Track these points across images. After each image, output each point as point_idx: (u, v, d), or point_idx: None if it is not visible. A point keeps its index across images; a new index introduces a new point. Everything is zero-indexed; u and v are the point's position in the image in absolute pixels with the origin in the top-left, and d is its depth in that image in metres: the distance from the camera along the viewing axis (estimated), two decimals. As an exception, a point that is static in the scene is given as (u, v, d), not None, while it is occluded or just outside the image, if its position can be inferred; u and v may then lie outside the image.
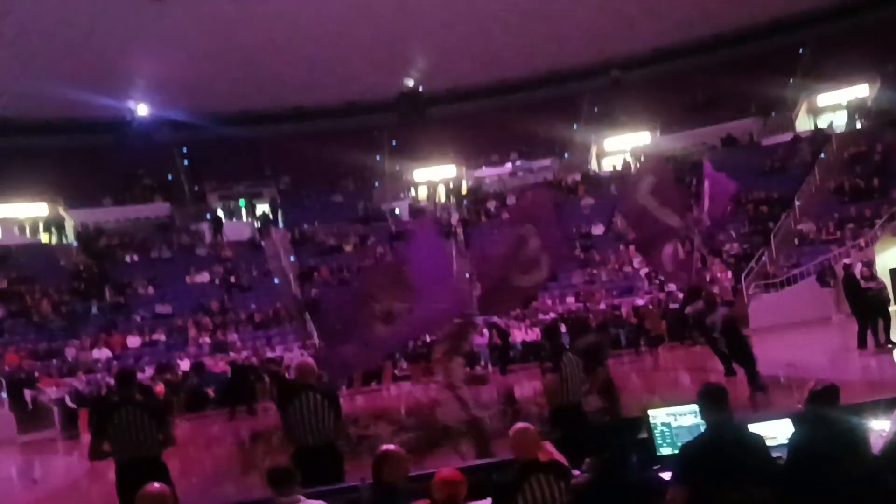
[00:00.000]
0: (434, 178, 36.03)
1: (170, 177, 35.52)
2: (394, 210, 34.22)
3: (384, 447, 4.43)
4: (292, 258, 30.13)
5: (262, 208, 34.64)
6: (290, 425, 6.28)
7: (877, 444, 4.59)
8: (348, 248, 30.61)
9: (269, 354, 23.45)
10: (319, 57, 30.71)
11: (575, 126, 35.63)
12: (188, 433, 16.84)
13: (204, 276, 28.81)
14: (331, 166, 33.40)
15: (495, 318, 24.36)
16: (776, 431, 4.95)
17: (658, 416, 5.24)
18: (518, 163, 35.84)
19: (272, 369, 21.39)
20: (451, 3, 31.53)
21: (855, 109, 32.23)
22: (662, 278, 23.11)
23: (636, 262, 26.36)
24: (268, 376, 20.83)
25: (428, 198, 35.67)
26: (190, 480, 9.45)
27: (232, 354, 23.39)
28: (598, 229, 29.50)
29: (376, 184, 35.66)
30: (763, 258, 25.24)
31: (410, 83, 35.53)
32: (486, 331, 23.23)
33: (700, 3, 31.90)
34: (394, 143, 36.48)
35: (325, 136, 33.47)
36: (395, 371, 22.55)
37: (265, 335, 25.38)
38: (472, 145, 35.38)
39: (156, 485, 4.02)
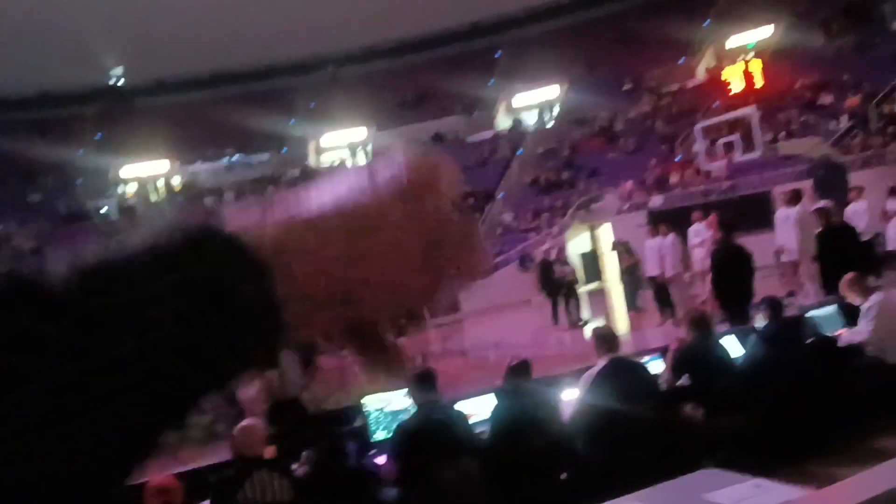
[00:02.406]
0: (144, 173, 34.06)
1: None
2: (100, 208, 31.87)
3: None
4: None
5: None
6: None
7: (567, 412, 5.14)
8: (49, 251, 27.99)
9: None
10: (11, 43, 27.79)
11: (292, 121, 35.52)
12: None
13: None
14: (27, 162, 30.36)
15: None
16: (481, 407, 5.37)
17: (371, 402, 5.46)
18: (235, 157, 35.02)
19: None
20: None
21: (546, 109, 35.64)
22: None
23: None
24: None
25: (138, 194, 33.65)
26: None
27: None
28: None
29: (79, 181, 32.99)
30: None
31: (115, 72, 33.31)
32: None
33: (408, 3, 33.21)
34: (98, 135, 33.98)
35: (19, 128, 30.40)
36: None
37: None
38: (185, 139, 33.92)
39: None
